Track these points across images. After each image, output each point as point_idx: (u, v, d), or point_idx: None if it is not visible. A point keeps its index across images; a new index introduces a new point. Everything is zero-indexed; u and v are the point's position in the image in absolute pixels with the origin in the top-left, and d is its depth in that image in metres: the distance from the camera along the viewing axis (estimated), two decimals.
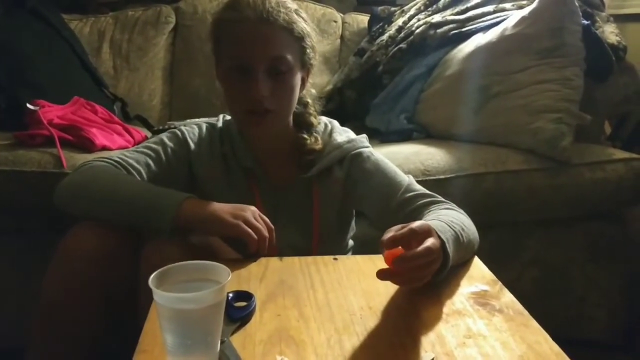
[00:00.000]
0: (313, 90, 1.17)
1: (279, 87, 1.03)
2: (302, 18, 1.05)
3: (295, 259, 0.95)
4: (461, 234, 0.89)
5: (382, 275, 0.76)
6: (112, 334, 1.03)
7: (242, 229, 0.93)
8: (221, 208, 0.95)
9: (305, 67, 1.09)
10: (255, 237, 0.93)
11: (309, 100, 1.16)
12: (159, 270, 0.67)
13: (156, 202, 0.95)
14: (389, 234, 0.77)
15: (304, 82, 1.10)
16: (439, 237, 0.81)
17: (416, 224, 0.78)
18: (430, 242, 0.76)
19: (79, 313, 0.96)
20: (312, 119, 1.15)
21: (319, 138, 1.14)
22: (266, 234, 0.95)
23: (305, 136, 1.13)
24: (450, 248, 0.82)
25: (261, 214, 0.98)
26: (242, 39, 1.00)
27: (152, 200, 0.96)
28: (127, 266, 0.95)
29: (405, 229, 0.77)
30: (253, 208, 0.98)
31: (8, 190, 1.38)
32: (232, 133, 1.14)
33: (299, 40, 1.04)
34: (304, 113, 1.14)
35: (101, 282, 0.96)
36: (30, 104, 1.53)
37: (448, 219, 0.91)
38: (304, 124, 1.14)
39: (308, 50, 1.07)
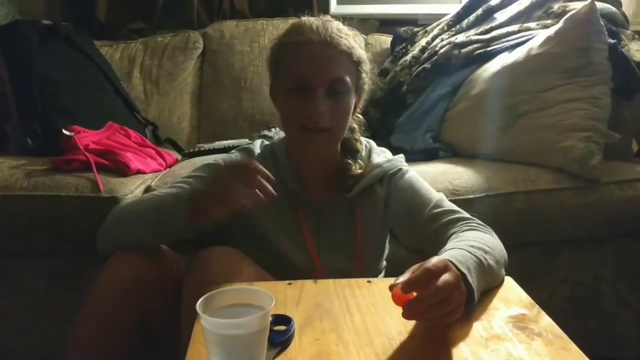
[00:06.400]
0: (360, 116, 1.20)
1: (336, 108, 1.06)
2: (359, 44, 1.10)
3: (330, 281, 0.95)
4: (484, 257, 0.88)
5: (406, 315, 0.76)
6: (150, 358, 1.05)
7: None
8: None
9: (359, 91, 1.12)
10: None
11: (356, 126, 1.18)
12: (204, 296, 0.69)
13: (174, 199, 1.02)
14: (405, 276, 0.76)
15: (355, 106, 1.13)
16: (459, 269, 0.81)
17: (432, 261, 0.78)
18: (442, 279, 0.76)
19: (114, 343, 0.97)
20: (358, 145, 1.18)
21: (362, 164, 1.16)
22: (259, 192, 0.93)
23: (351, 162, 1.15)
24: (472, 278, 0.82)
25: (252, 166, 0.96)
26: (305, 60, 1.04)
27: (172, 200, 1.02)
28: (163, 294, 0.98)
29: (420, 270, 0.76)
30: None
31: (46, 214, 1.42)
32: (278, 155, 1.16)
33: (356, 64, 1.08)
34: (350, 138, 1.16)
35: (137, 310, 0.98)
36: (66, 129, 1.58)
37: (469, 244, 0.90)
38: (350, 149, 1.17)
39: (363, 75, 1.10)
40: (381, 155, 1.18)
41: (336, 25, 1.08)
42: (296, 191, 1.13)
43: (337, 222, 1.14)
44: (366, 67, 1.11)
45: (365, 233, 1.13)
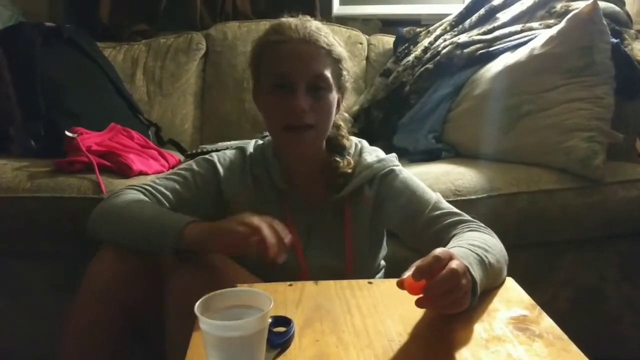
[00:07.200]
0: (345, 114, 1.20)
1: (318, 104, 1.06)
2: (338, 43, 1.10)
3: (331, 282, 0.95)
4: (485, 255, 0.89)
5: (420, 303, 0.77)
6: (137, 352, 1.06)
7: (250, 239, 0.89)
8: (227, 221, 0.94)
9: (341, 89, 1.12)
10: (269, 241, 0.89)
11: (341, 123, 1.18)
12: (203, 298, 0.69)
13: (163, 225, 0.96)
14: (412, 268, 0.77)
15: (338, 104, 1.13)
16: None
17: (438, 250, 0.79)
18: (453, 264, 0.77)
19: (102, 338, 0.98)
20: (345, 141, 1.17)
21: (351, 160, 1.15)
22: (277, 237, 0.90)
23: (338, 159, 1.14)
24: (475, 272, 0.82)
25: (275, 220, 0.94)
26: (285, 57, 1.05)
27: (161, 223, 0.97)
28: (149, 287, 0.98)
29: (429, 257, 0.77)
30: (264, 217, 0.93)
31: (48, 215, 1.42)
32: (267, 155, 1.16)
33: (336, 62, 1.09)
34: (336, 135, 1.16)
35: (124, 303, 0.98)
36: (68, 131, 1.58)
37: (469, 243, 0.91)
38: (336, 146, 1.16)
39: (344, 73, 1.11)
40: (372, 155, 1.18)
41: (315, 24, 1.09)
42: (285, 191, 1.13)
43: (327, 222, 1.14)
44: (347, 65, 1.11)
45: (356, 234, 1.13)
